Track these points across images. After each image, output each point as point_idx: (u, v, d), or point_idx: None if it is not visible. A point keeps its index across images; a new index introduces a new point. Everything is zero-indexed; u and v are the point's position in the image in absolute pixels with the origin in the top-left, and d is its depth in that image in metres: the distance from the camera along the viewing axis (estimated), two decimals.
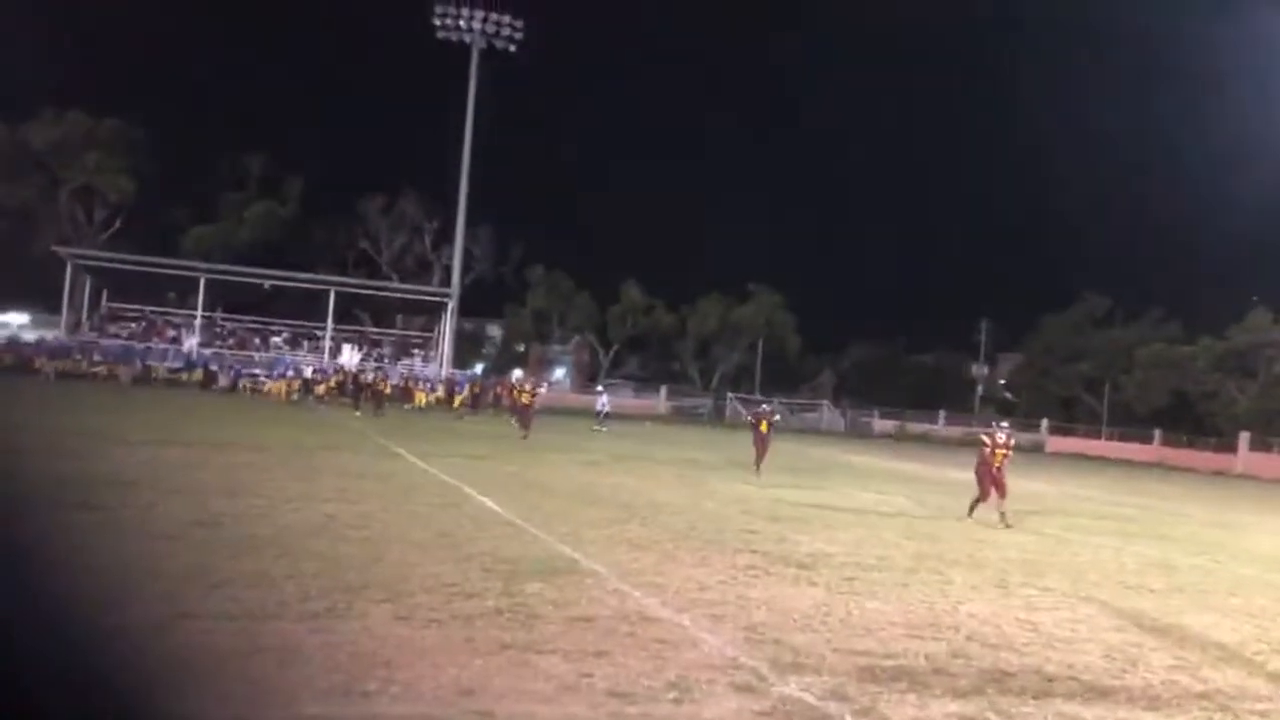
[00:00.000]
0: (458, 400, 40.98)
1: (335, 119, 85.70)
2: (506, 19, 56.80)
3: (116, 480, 11.43)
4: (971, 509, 14.70)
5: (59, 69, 62.44)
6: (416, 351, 59.31)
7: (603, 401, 37.00)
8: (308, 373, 47.28)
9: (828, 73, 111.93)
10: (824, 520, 13.42)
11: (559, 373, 73.75)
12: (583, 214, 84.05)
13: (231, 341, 54.58)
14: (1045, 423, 60.81)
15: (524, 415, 27.05)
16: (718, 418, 60.80)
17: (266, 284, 53.03)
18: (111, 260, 51.45)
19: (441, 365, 54.81)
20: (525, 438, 25.23)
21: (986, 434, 15.06)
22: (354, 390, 40.09)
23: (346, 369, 47.26)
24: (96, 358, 47.31)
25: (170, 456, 14.87)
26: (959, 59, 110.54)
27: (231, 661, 5.05)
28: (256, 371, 48.69)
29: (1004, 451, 14.58)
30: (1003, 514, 14.33)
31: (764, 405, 23.28)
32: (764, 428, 20.38)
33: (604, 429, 33.95)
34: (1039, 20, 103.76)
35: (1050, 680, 5.99)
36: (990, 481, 14.48)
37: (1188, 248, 75.73)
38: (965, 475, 17.32)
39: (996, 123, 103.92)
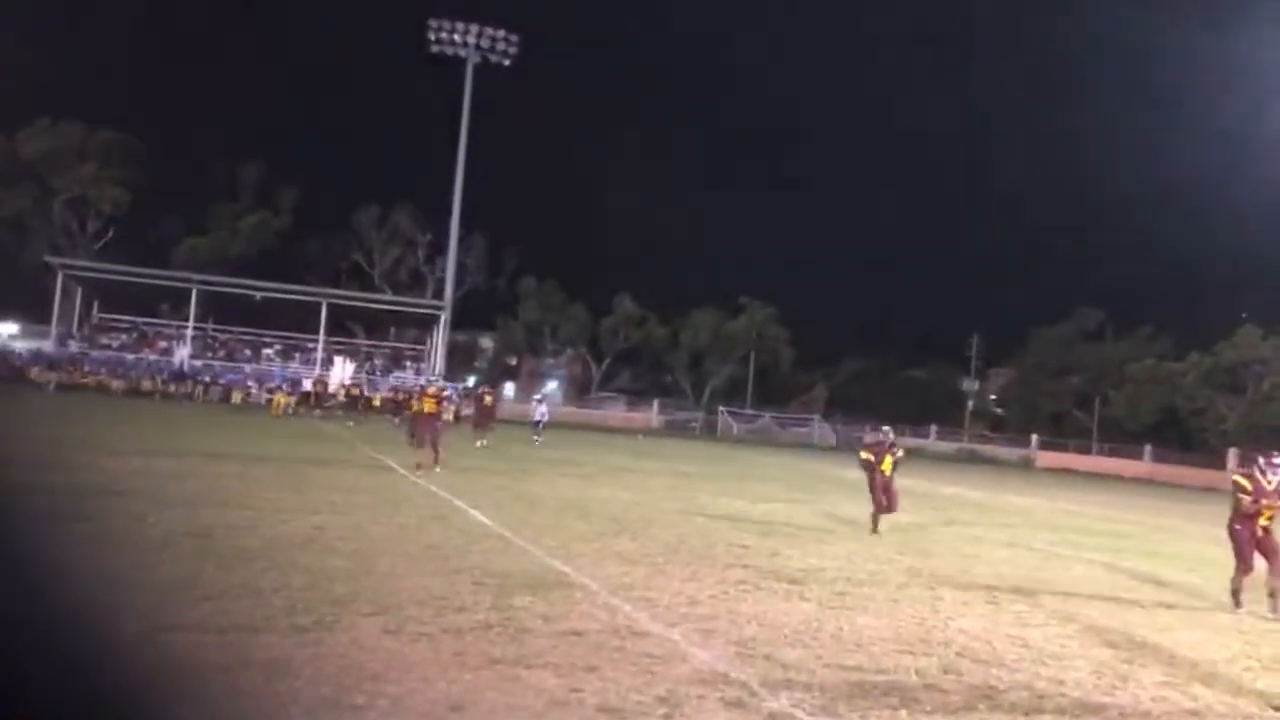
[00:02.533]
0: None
1: (330, 131, 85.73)
2: (501, 33, 57.12)
3: (106, 491, 11.37)
4: (1236, 595, 9.96)
5: (54, 78, 62.50)
6: (409, 364, 59.26)
7: (541, 411, 34.99)
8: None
9: (821, 87, 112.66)
10: (815, 535, 13.41)
11: (551, 385, 73.71)
12: (575, 227, 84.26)
13: (223, 353, 54.43)
14: (1035, 438, 60.98)
15: (422, 432, 18.48)
16: (710, 431, 60.84)
17: (258, 295, 52.92)
18: (103, 271, 51.31)
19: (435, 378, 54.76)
20: (421, 467, 17.06)
21: (1245, 475, 10.27)
22: (348, 403, 39.88)
23: (325, 381, 46.91)
24: (87, 368, 47.20)
25: (160, 467, 14.80)
26: (954, 75, 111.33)
27: (219, 674, 5.02)
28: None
29: (1271, 504, 9.88)
30: (1273, 595, 9.70)
31: (882, 431, 15.47)
32: (886, 467, 14.01)
33: (540, 439, 31.57)
34: (1033, 36, 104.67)
35: (1041, 697, 5.99)
36: (1253, 546, 9.87)
37: (1179, 265, 76.20)
38: (955, 490, 17.08)
39: (989, 138, 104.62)
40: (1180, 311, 64.63)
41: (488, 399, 28.33)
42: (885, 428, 15.80)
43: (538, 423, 33.53)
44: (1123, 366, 61.83)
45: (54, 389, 42.30)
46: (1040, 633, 7.96)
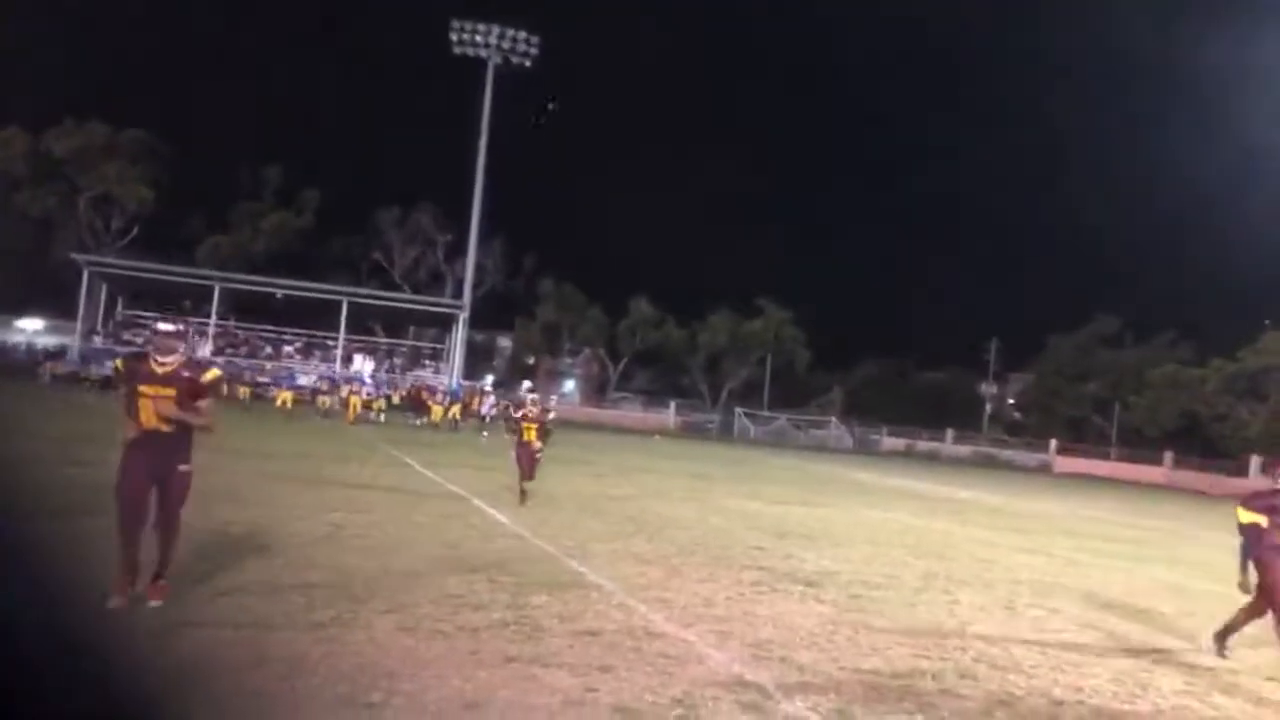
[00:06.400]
0: (454, 410, 40.32)
1: (352, 132, 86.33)
2: (522, 35, 57.37)
3: None
4: None
5: (81, 78, 63.25)
6: (428, 363, 59.54)
7: (490, 403, 31.56)
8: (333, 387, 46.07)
9: (838, 89, 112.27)
10: (831, 538, 13.36)
11: (568, 385, 73.88)
12: (594, 228, 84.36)
13: (244, 350, 54.88)
14: (1054, 442, 60.54)
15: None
16: (726, 433, 60.75)
17: (279, 293, 53.36)
18: (127, 268, 51.93)
19: (452, 376, 54.99)
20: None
21: None
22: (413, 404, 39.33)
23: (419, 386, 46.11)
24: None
25: None
26: (971, 79, 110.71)
27: (236, 671, 5.05)
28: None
29: None
30: None
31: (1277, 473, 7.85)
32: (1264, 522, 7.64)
33: (486, 435, 28.61)
34: (1052, 41, 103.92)
35: (1059, 704, 5.93)
36: None
37: (1200, 270, 75.52)
38: (973, 494, 16.78)
39: (1009, 142, 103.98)
40: (1201, 318, 64.06)
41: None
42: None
43: (484, 416, 30.10)
44: (1142, 372, 61.31)
45: (99, 386, 42.69)
46: (1059, 639, 7.90)
